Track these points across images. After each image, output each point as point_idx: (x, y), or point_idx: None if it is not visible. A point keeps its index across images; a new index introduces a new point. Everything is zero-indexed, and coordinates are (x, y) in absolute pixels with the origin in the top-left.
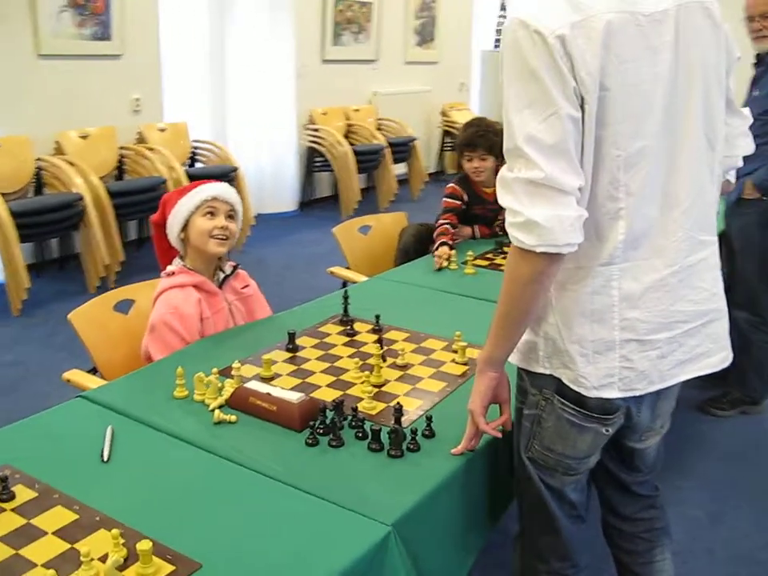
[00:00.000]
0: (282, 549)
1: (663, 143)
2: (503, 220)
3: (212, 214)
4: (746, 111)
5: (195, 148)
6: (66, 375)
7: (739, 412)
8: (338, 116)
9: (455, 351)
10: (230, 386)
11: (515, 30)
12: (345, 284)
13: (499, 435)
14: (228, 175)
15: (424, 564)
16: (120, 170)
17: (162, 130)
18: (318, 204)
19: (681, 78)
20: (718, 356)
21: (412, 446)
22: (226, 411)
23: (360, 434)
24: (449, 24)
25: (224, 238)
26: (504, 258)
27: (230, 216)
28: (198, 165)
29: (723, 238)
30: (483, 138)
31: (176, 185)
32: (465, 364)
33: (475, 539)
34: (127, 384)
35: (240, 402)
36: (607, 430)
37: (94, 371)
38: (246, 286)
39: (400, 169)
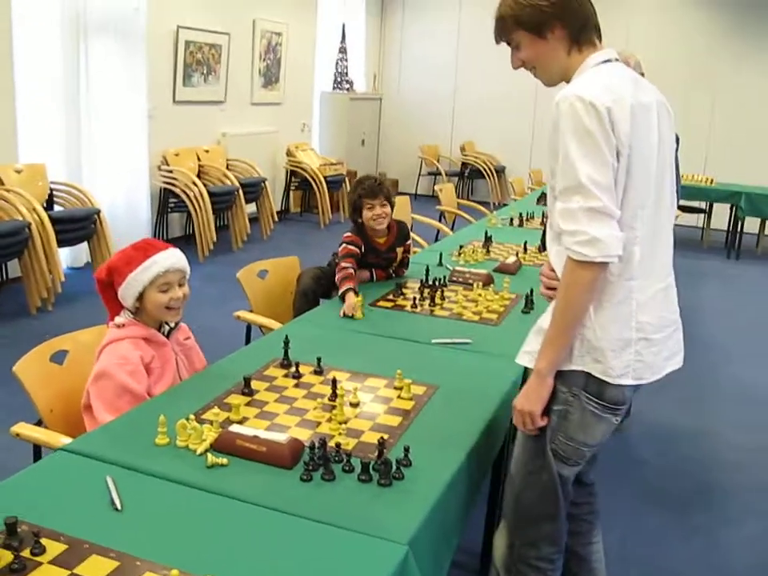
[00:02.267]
0: None
1: (655, 195)
2: (396, 266)
3: (166, 287)
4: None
5: (53, 190)
6: (15, 429)
7: None
8: (190, 157)
9: (399, 388)
10: (208, 431)
11: (573, 102)
12: (249, 327)
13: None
14: (91, 218)
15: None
16: None
17: (19, 172)
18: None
19: (661, 150)
20: (680, 355)
21: (397, 475)
22: (215, 455)
23: (347, 468)
24: (292, 66)
25: (179, 306)
26: (403, 298)
27: (182, 283)
28: (57, 207)
29: None
30: (381, 187)
31: (39, 228)
32: (411, 399)
33: (452, 543)
34: (104, 435)
35: (227, 445)
36: (617, 419)
37: (38, 423)
38: (188, 338)
39: (249, 208)
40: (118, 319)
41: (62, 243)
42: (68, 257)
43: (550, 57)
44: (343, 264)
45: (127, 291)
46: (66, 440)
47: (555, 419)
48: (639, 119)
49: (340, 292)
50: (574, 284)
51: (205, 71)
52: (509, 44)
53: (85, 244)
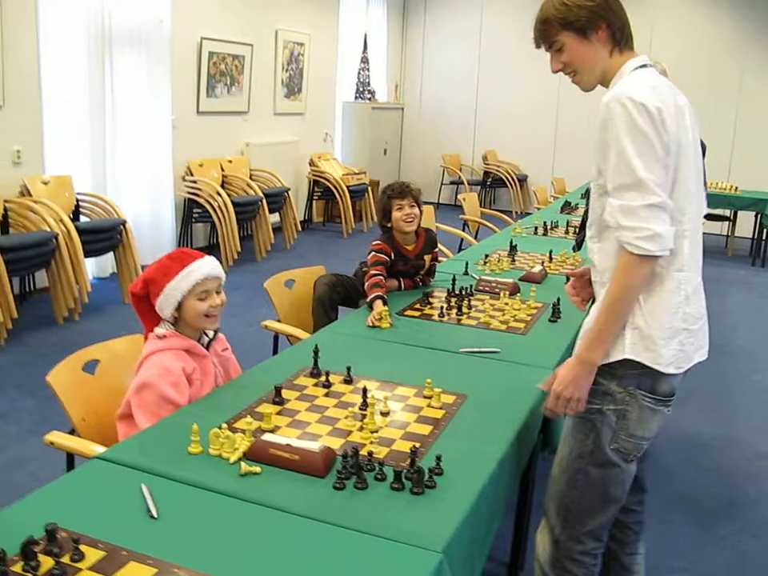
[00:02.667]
0: None
1: (695, 193)
2: (423, 274)
3: (205, 295)
4: None
5: (79, 201)
6: (49, 437)
7: None
8: (213, 167)
9: (429, 397)
10: (241, 440)
11: (624, 103)
12: (276, 336)
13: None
14: (117, 228)
15: None
16: (4, 224)
17: (46, 183)
18: None
19: (695, 151)
20: (706, 347)
21: (429, 484)
22: (249, 463)
23: (379, 476)
24: (314, 76)
25: (217, 314)
26: (431, 308)
27: (219, 290)
28: (83, 218)
29: None
30: (410, 188)
31: (66, 238)
32: (441, 408)
33: (483, 551)
34: (138, 444)
35: (260, 454)
36: (668, 410)
37: (71, 433)
38: (225, 349)
39: (273, 218)
40: (159, 330)
41: (88, 254)
42: (94, 267)
43: (593, 58)
44: (372, 271)
45: (166, 301)
46: (98, 449)
47: (614, 419)
48: (681, 121)
49: (369, 299)
50: (632, 276)
51: (228, 82)
52: (549, 47)
53: (110, 254)
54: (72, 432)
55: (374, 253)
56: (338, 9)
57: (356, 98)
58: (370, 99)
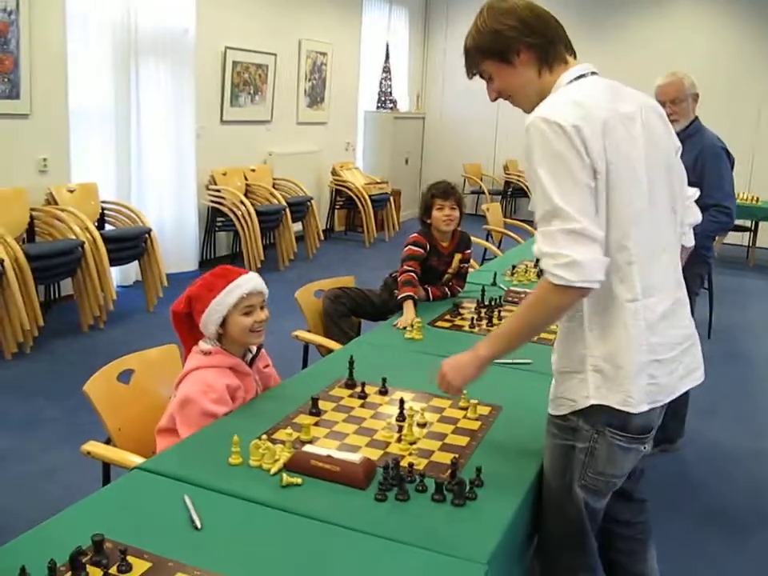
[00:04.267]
0: None
1: (649, 208)
2: (452, 274)
3: (249, 310)
4: (692, 190)
5: (104, 209)
6: (85, 447)
7: (659, 450)
8: (237, 176)
9: (464, 408)
10: (281, 451)
11: (539, 125)
12: (307, 347)
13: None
14: (142, 237)
15: None
16: (31, 232)
17: (71, 191)
18: (217, 263)
19: (650, 158)
20: (699, 371)
21: (470, 495)
22: (289, 474)
23: (420, 488)
24: (337, 85)
25: (262, 329)
26: (461, 318)
27: (262, 306)
28: (108, 227)
29: None
30: (454, 191)
31: (92, 246)
32: (477, 419)
33: (523, 563)
34: (178, 454)
35: (301, 465)
36: (645, 447)
37: (107, 443)
38: (267, 366)
39: (295, 227)
40: (204, 346)
41: (113, 262)
42: (118, 275)
43: (522, 83)
44: (405, 267)
45: (210, 317)
46: (136, 459)
47: (582, 457)
48: (618, 133)
49: (399, 297)
50: (546, 305)
51: (251, 91)
52: (482, 77)
53: (134, 262)
54: (108, 442)
55: (409, 246)
56: (361, 19)
57: (378, 107)
58: (391, 109)
